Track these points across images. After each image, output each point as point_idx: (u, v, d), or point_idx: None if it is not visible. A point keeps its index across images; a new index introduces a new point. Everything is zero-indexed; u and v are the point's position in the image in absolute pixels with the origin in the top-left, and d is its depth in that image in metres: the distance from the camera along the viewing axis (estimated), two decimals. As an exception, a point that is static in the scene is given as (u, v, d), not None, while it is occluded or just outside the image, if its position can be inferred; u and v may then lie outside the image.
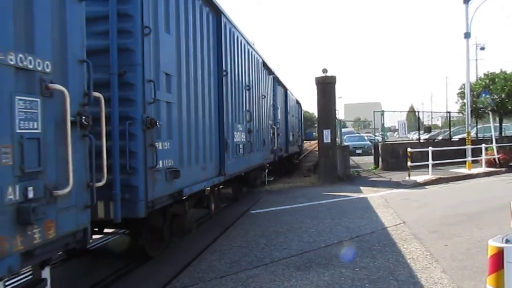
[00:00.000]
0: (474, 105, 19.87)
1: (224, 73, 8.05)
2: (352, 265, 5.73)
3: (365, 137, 33.14)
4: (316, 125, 22.73)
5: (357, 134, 36.18)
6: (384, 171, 17.98)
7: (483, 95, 19.82)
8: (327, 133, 15.54)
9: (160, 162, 5.14)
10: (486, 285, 3.47)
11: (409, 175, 14.62)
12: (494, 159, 18.00)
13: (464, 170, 16.89)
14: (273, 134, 14.31)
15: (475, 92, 20.68)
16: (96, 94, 3.73)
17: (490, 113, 19.39)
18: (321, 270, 5.58)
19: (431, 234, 7.34)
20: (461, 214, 8.93)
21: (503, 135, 22.42)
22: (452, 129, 23.56)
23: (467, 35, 18.03)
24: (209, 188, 7.30)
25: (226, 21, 8.26)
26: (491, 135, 18.76)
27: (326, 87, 15.82)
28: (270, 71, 14.32)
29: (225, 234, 7.81)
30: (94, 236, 5.82)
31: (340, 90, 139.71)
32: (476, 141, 19.65)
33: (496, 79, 20.89)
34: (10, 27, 2.64)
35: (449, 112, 24.10)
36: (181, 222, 6.49)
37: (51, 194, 2.95)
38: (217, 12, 7.77)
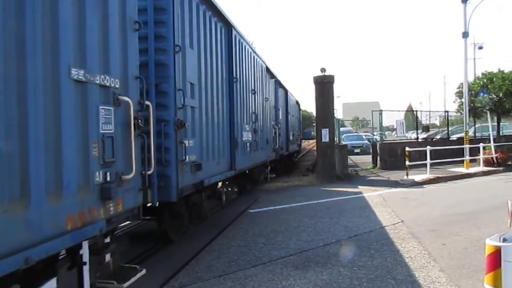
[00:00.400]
0: (472, 104, 19.91)
1: (235, 79, 9.04)
2: (350, 264, 5.74)
3: (364, 136, 33.15)
4: (314, 124, 22.80)
5: (355, 133, 36.16)
6: (382, 170, 18.02)
7: (481, 94, 19.87)
8: (325, 132, 15.56)
9: (187, 156, 6.11)
10: (484, 284, 3.48)
11: (407, 174, 14.65)
12: (492, 158, 18.04)
13: (462, 169, 16.93)
14: (275, 133, 15.20)
15: (473, 92, 20.73)
16: (147, 102, 4.61)
17: (488, 112, 19.42)
18: (319, 269, 5.59)
19: (429, 233, 7.36)
20: (459, 213, 8.95)
21: (501, 134, 22.50)
22: (450, 128, 23.60)
23: (465, 35, 18.07)
24: (221, 181, 8.40)
25: (236, 34, 9.31)
26: (489, 134, 18.81)
27: (324, 86, 15.84)
28: (272, 75, 15.33)
29: (224, 233, 7.82)
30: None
31: (338, 89, 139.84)
32: (474, 140, 19.70)
33: (494, 79, 20.94)
34: (96, 56, 3.60)
35: (447, 112, 24.12)
36: (199, 210, 7.59)
37: (120, 178, 3.85)
38: (228, 26, 8.83)
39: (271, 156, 14.27)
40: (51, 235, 2.87)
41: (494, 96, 19.97)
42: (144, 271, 4.44)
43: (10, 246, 2.50)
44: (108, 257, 4.05)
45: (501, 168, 17.34)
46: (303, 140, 37.30)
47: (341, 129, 25.73)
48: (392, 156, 18.55)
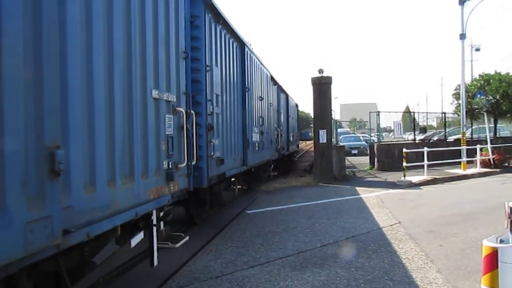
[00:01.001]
0: (469, 106, 19.96)
1: (247, 89, 10.58)
2: (347, 265, 5.74)
3: (361, 138, 33.21)
4: (312, 125, 22.95)
5: (352, 135, 36.27)
6: (379, 172, 18.05)
7: (478, 96, 19.91)
8: (323, 133, 15.59)
9: (214, 153, 7.69)
10: (480, 285, 3.49)
11: (404, 176, 14.68)
12: (489, 159, 18.10)
13: (459, 171, 16.98)
14: (277, 135, 16.58)
15: (470, 93, 20.77)
16: (192, 111, 5.81)
17: (485, 114, 19.48)
18: (317, 270, 5.59)
19: (426, 234, 7.38)
20: (456, 215, 8.98)
21: (497, 136, 22.56)
22: (447, 130, 23.68)
23: (462, 36, 18.12)
24: (236, 174, 9.89)
25: (247, 50, 10.89)
26: (486, 136, 18.87)
27: (322, 87, 15.86)
28: (275, 82, 16.72)
29: (221, 234, 7.82)
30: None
31: (336, 91, 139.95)
32: (471, 142, 19.75)
33: (491, 80, 21.01)
34: (164, 80, 4.89)
35: (444, 113, 24.20)
36: (218, 198, 9.42)
37: (177, 166, 5.11)
38: (242, 44, 10.44)
39: (274, 156, 15.74)
40: (144, 201, 4.25)
41: (491, 98, 20.03)
42: (187, 238, 5.79)
43: (127, 204, 3.87)
44: (162, 225, 5.26)
45: (498, 170, 17.40)
46: (300, 141, 37.43)
47: (339, 130, 25.81)
48: (390, 157, 18.59)
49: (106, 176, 3.58)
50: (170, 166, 4.95)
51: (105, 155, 3.59)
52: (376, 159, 19.08)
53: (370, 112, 21.23)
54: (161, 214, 5.15)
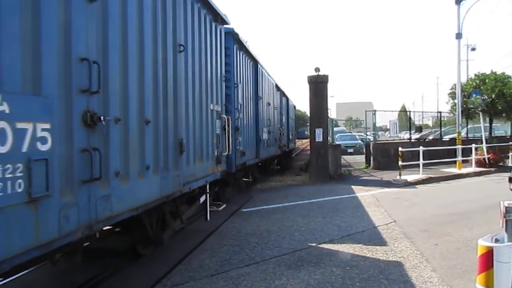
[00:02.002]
0: (464, 105, 20.03)
1: (259, 98, 13.31)
2: (342, 264, 5.74)
3: (357, 136, 33.27)
4: (308, 123, 23.09)
5: (348, 133, 36.28)
6: (375, 170, 18.08)
7: (474, 95, 19.98)
8: (319, 132, 15.59)
9: (239, 147, 10.22)
10: (475, 284, 3.49)
11: (400, 175, 14.70)
12: (484, 159, 18.15)
13: (454, 170, 17.03)
14: (280, 134, 18.82)
15: (465, 93, 20.84)
16: (229, 117, 8.33)
17: (481, 113, 19.55)
18: (312, 268, 5.58)
19: (422, 233, 7.39)
20: (451, 214, 9.00)
21: (493, 135, 22.66)
22: (442, 129, 23.72)
23: (458, 36, 18.15)
24: (252, 164, 12.66)
25: (260, 66, 13.50)
26: (481, 135, 18.93)
27: (318, 86, 15.85)
28: (278, 88, 18.95)
29: (216, 232, 7.79)
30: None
31: (332, 89, 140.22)
32: (467, 141, 19.81)
33: (487, 80, 21.09)
34: (215, 96, 7.26)
35: (440, 112, 24.24)
36: (238, 183, 11.85)
37: (221, 154, 7.54)
38: (255, 62, 13.06)
39: (278, 152, 18.15)
40: (207, 174, 6.76)
41: (487, 97, 20.10)
42: (225, 205, 8.44)
43: (201, 175, 6.42)
44: (205, 197, 7.27)
45: (492, 169, 17.46)
46: (297, 140, 37.57)
47: (335, 129, 25.84)
48: (385, 156, 18.62)
49: (194, 158, 6.14)
50: (218, 154, 7.39)
51: (194, 146, 6.13)
52: (372, 158, 19.11)
53: (366, 111, 21.24)
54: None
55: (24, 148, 2.66)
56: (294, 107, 30.73)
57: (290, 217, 9.00)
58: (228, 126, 8.15)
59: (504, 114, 22.00)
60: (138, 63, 4.34)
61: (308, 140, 24.85)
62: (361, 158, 21.69)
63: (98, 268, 5.72)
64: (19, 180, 2.60)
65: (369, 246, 6.59)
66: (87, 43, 3.41)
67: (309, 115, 17.07)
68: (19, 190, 2.60)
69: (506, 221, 3.38)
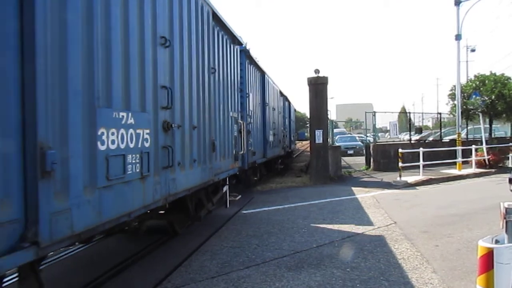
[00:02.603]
0: (464, 107, 20.04)
1: (266, 104, 14.77)
2: (343, 266, 5.74)
3: (357, 138, 33.25)
4: (308, 125, 23.21)
5: (348, 135, 36.27)
6: (375, 172, 18.08)
7: (474, 96, 19.98)
8: (319, 134, 15.59)
9: (251, 147, 11.58)
10: (476, 286, 3.49)
11: (400, 176, 14.71)
12: (484, 160, 18.16)
13: (454, 171, 17.03)
14: (283, 136, 20.30)
15: (465, 94, 20.85)
16: (243, 121, 9.76)
17: (480, 114, 19.55)
18: (313, 270, 5.59)
19: (422, 235, 7.39)
20: (452, 215, 9.00)
21: (493, 136, 22.66)
22: (442, 130, 23.73)
23: (458, 37, 18.16)
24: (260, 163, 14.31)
25: (266, 76, 15.02)
26: (481, 136, 18.93)
27: (318, 87, 15.87)
28: (282, 94, 20.48)
29: (217, 234, 7.79)
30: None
31: (332, 91, 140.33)
32: (466, 142, 19.81)
33: (486, 81, 21.10)
34: (234, 105, 9.14)
35: (440, 113, 24.25)
36: (249, 179, 13.64)
37: (238, 153, 9.15)
38: (262, 72, 14.52)
39: (281, 152, 19.54)
40: (228, 169, 8.34)
41: (486, 98, 20.10)
42: (240, 196, 9.95)
43: (224, 169, 7.99)
44: (226, 187, 8.85)
45: (493, 170, 17.46)
46: (296, 141, 37.64)
47: (335, 130, 25.84)
48: (385, 158, 18.62)
49: (220, 155, 7.70)
50: (235, 152, 8.93)
51: (220, 145, 7.67)
52: (372, 159, 19.11)
53: (366, 113, 21.25)
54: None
55: (139, 145, 4.40)
56: (295, 110, 32.06)
57: (291, 218, 9.00)
58: (243, 129, 9.72)
59: (504, 115, 22.00)
60: (189, 86, 6.02)
61: (307, 141, 24.97)
62: (361, 160, 21.69)
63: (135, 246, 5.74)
64: (137, 164, 4.34)
65: (370, 248, 6.59)
66: (164, 75, 5.14)
67: (309, 117, 17.08)
68: (137, 171, 4.34)
69: (506, 222, 3.38)
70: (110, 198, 3.82)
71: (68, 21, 3.27)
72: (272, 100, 16.20)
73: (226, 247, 6.83)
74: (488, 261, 3.32)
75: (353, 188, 13.52)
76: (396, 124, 21.71)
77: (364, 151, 21.58)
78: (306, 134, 53.82)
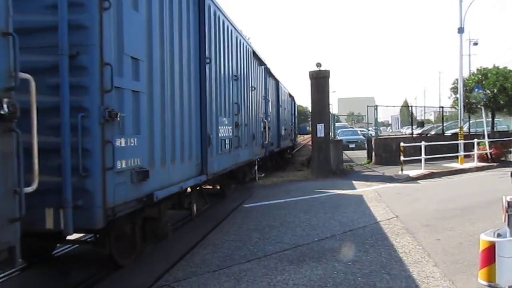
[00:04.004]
0: (466, 100, 19.94)
1: (280, 106, 18.58)
2: (344, 259, 5.74)
3: (359, 132, 33.21)
4: (309, 119, 23.36)
5: (350, 129, 36.24)
6: (377, 166, 18.05)
7: (476, 90, 19.88)
8: (320, 128, 15.57)
9: (270, 139, 14.70)
10: (478, 279, 3.49)
11: (402, 170, 14.69)
12: (486, 154, 18.11)
13: (456, 165, 17.00)
14: (291, 130, 24.15)
15: (467, 87, 20.74)
16: (265, 120, 14.13)
17: (483, 108, 19.49)
18: (314, 264, 5.59)
19: (424, 228, 7.39)
20: (453, 209, 8.99)
21: (495, 130, 22.56)
22: (445, 124, 23.68)
23: (460, 30, 18.05)
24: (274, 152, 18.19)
25: (280, 84, 18.85)
26: (483, 130, 18.87)
27: (320, 81, 15.82)
28: (290, 95, 24.50)
29: (218, 228, 7.80)
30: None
31: (334, 85, 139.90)
32: (469, 136, 19.76)
33: (489, 74, 20.96)
34: (260, 109, 13.82)
35: (442, 107, 24.23)
36: (266, 166, 16.29)
37: (263, 143, 13.53)
38: (276, 81, 18.05)
39: (290, 144, 23.87)
40: (258, 153, 12.70)
41: (489, 92, 20.01)
42: (264, 174, 15.26)
43: (257, 153, 12.61)
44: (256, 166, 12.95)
45: (495, 164, 17.42)
46: (298, 135, 37.70)
47: (336, 124, 25.83)
48: (387, 152, 18.58)
49: (255, 143, 12.14)
50: (262, 142, 12.87)
51: (254, 136, 11.97)
52: (373, 153, 19.08)
53: (368, 106, 21.22)
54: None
55: (229, 134, 8.91)
56: (298, 106, 33.53)
57: (292, 212, 9.00)
58: (266, 126, 13.65)
59: (506, 109, 21.90)
60: (249, 101, 11.14)
61: (309, 135, 25.03)
62: (363, 154, 21.66)
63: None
64: (228, 144, 8.81)
65: (371, 241, 6.59)
66: (236, 96, 9.65)
67: (310, 111, 17.08)
68: (228, 148, 8.81)
69: (508, 215, 3.37)
70: (221, 159, 8.22)
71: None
72: (283, 102, 20.14)
73: (227, 241, 6.84)
74: (490, 255, 3.31)
75: (354, 182, 13.52)
76: (398, 118, 21.71)
77: (365, 145, 21.57)
78: (307, 128, 53.75)
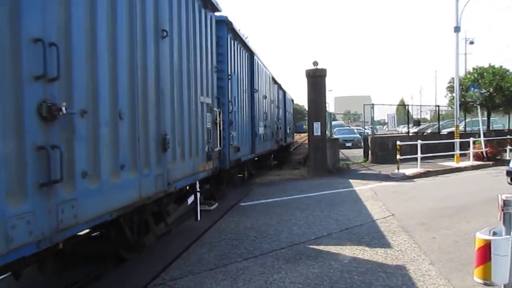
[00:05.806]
0: (462, 99, 20.02)
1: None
2: (341, 258, 5.76)
3: (355, 130, 33.26)
4: (306, 117, 23.47)
5: (347, 127, 36.29)
6: (373, 164, 18.09)
7: (472, 89, 19.97)
8: (317, 126, 15.58)
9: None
10: (473, 277, 3.50)
11: (398, 168, 14.72)
12: (482, 152, 18.18)
13: (452, 164, 17.06)
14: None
15: (464, 86, 20.83)
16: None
17: (479, 107, 19.55)
18: (311, 262, 5.60)
19: (420, 227, 7.41)
20: (449, 207, 9.02)
21: (491, 129, 22.66)
22: (441, 123, 23.73)
23: (456, 29, 18.10)
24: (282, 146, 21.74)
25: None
26: (479, 129, 18.94)
27: (316, 80, 15.83)
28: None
29: (215, 226, 7.80)
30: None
31: (330, 83, 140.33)
32: (465, 135, 19.83)
33: (485, 74, 21.06)
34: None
35: (438, 106, 24.25)
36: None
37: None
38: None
39: (275, 146, 21.25)
40: (273, 146, 17.49)
41: (485, 91, 20.09)
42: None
43: (271, 146, 16.85)
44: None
45: (490, 163, 17.49)
46: (295, 134, 37.80)
47: (333, 122, 25.83)
48: (383, 150, 18.63)
49: (269, 140, 15.78)
50: (276, 138, 15.52)
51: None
52: (370, 152, 19.12)
53: (364, 105, 21.23)
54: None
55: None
56: (292, 100, 31.94)
57: (288, 211, 9.01)
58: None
59: (502, 108, 22.01)
60: (270, 111, 16.77)
61: (306, 134, 25.16)
62: (359, 152, 21.71)
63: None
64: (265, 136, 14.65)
65: (367, 240, 6.61)
66: (264, 108, 15.24)
67: (307, 109, 17.07)
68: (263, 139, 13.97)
69: (504, 214, 3.38)
70: (259, 146, 13.32)
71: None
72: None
73: (224, 239, 6.84)
74: (485, 253, 3.33)
75: (351, 181, 13.54)
76: (394, 117, 21.72)
77: (362, 143, 21.61)
78: (304, 126, 53.81)
